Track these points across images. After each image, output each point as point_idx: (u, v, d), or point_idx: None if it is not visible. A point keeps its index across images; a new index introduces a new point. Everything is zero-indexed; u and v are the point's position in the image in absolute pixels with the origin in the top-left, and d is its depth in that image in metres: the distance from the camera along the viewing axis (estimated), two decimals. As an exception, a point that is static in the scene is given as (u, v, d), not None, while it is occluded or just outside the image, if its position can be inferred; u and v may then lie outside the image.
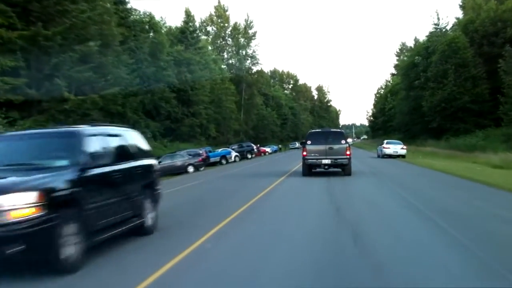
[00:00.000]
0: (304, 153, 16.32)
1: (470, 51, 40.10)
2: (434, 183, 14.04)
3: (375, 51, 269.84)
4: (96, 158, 5.32)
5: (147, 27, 36.46)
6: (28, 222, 4.12)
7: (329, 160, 15.85)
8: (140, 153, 6.75)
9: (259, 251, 5.49)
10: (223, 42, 63.24)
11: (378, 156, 31.15)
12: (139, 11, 36.75)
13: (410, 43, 76.73)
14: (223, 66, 57.15)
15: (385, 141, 32.65)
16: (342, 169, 16.29)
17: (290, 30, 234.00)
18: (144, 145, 7.09)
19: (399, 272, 4.43)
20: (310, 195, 11.30)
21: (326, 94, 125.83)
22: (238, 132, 55.98)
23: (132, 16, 34.21)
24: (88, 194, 4.98)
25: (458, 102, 39.27)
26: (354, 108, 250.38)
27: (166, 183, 17.62)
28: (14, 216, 4.08)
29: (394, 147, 29.72)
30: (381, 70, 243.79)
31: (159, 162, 22.84)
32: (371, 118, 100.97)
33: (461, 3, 51.55)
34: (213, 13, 62.40)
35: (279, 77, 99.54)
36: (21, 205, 4.12)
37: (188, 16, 47.59)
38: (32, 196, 4.19)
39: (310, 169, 16.53)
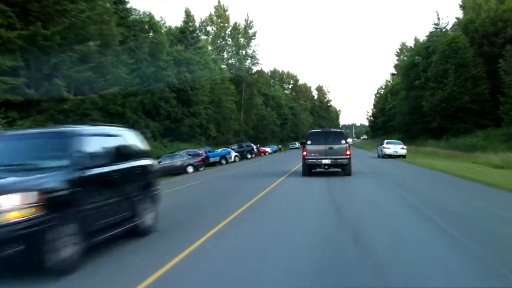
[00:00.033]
0: (304, 153, 16.30)
1: (470, 51, 40.07)
2: (434, 183, 13.99)
3: (375, 51, 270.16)
4: (94, 158, 5.30)
5: (146, 27, 36.43)
6: (27, 223, 4.11)
7: (329, 160, 15.84)
8: (139, 153, 6.73)
9: (259, 251, 5.49)
10: (223, 42, 63.21)
11: (378, 156, 31.10)
12: (139, 11, 36.82)
13: (410, 43, 76.88)
14: (223, 66, 57.11)
15: (385, 141, 32.56)
16: (342, 169, 16.28)
17: (290, 30, 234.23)
18: (142, 145, 7.06)
19: (399, 272, 4.43)
20: (310, 195, 11.26)
21: (326, 94, 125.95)
22: (238, 132, 55.95)
23: (131, 16, 34.18)
24: (87, 195, 4.97)
25: (458, 102, 39.23)
26: (354, 108, 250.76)
27: (166, 183, 17.59)
28: (13, 216, 4.07)
29: (394, 147, 29.67)
30: (381, 70, 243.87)
31: (159, 162, 22.90)
32: (371, 118, 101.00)
33: (461, 3, 51.53)
34: (213, 13, 62.46)
35: (279, 77, 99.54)
36: (21, 205, 4.11)
37: (188, 16, 47.56)
38: (31, 196, 4.18)
39: (310, 169, 16.52)
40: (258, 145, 48.61)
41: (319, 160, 15.99)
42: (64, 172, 4.78)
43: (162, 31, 40.57)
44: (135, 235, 6.24)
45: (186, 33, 45.34)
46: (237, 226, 7.30)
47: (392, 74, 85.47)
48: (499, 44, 37.15)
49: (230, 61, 63.01)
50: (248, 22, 63.45)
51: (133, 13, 34.86)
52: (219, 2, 63.32)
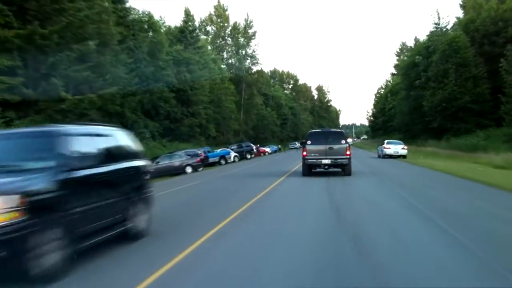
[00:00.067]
0: (304, 153, 16.28)
1: (471, 51, 39.91)
2: (436, 183, 13.84)
3: (375, 51, 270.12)
4: (82, 159, 5.07)
5: (146, 26, 36.27)
6: (9, 228, 3.90)
7: (329, 160, 15.81)
8: (130, 154, 6.48)
9: (259, 251, 5.46)
10: (223, 42, 63.07)
11: (379, 156, 30.91)
12: (138, 10, 36.65)
13: (410, 43, 76.73)
14: (222, 66, 56.96)
15: (386, 141, 32.32)
16: (342, 169, 16.26)
17: (290, 30, 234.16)
18: (134, 145, 6.81)
19: (399, 272, 4.42)
20: (310, 195, 11.17)
21: (326, 94, 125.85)
22: (238, 132, 55.81)
23: (130, 15, 34.04)
24: (73, 198, 4.74)
25: (459, 102, 39.07)
26: (354, 108, 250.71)
27: (164, 184, 17.48)
28: None
29: (394, 147, 29.47)
30: (381, 70, 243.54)
31: (157, 163, 22.76)
32: (371, 118, 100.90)
33: (461, 3, 51.41)
34: (213, 13, 62.31)
35: (279, 77, 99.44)
36: (1, 209, 3.90)
37: (188, 15, 47.40)
38: (13, 200, 3.96)
39: (310, 169, 16.49)
40: (258, 145, 48.46)
41: (319, 160, 15.96)
42: (49, 173, 4.54)
43: (162, 31, 40.41)
44: (127, 239, 6.03)
45: (185, 32, 45.19)
46: (237, 226, 7.22)
47: (392, 74, 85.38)
48: (500, 43, 37.01)
49: (230, 61, 62.88)
50: (248, 22, 63.40)
51: (132, 12, 34.73)
52: (218, 1, 63.22)
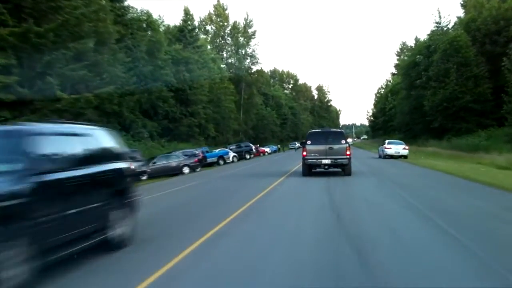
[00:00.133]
0: (304, 153, 16.24)
1: (472, 50, 39.68)
2: (436, 184, 13.64)
3: (375, 51, 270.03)
4: (55, 161, 4.62)
5: (144, 25, 36.01)
6: None
7: (329, 160, 15.78)
8: (110, 156, 5.97)
9: (259, 251, 5.45)
10: (222, 41, 62.86)
11: (380, 157, 30.57)
12: (136, 9, 36.36)
13: (411, 43, 76.52)
14: (222, 65, 56.73)
15: (387, 141, 31.86)
16: (342, 169, 16.23)
17: (290, 30, 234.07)
18: (116, 146, 6.29)
19: (399, 272, 4.42)
20: (310, 196, 11.08)
21: (326, 94, 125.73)
22: (237, 132, 55.56)
23: (129, 14, 33.77)
24: (43, 204, 4.26)
25: (460, 101, 38.86)
26: (354, 108, 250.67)
27: (160, 185, 17.31)
28: None
29: (396, 147, 29.12)
30: (382, 70, 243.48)
31: (154, 163, 22.48)
32: (372, 118, 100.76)
33: (462, 2, 51.21)
34: (212, 12, 62.13)
35: (279, 77, 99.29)
36: None
37: (187, 14, 47.18)
38: None
39: (310, 169, 16.45)
40: (258, 145, 48.21)
41: (319, 160, 15.93)
42: (15, 177, 4.09)
43: (160, 30, 40.14)
44: (109, 249, 5.55)
45: (184, 32, 44.99)
46: (237, 227, 7.14)
47: (393, 74, 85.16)
48: (502, 42, 36.79)
49: (230, 61, 62.65)
50: (248, 21, 63.19)
51: (130, 11, 34.46)
52: (218, 1, 62.88)
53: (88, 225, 5.04)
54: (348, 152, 15.71)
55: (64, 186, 4.70)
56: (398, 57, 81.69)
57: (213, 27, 62.26)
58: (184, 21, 46.72)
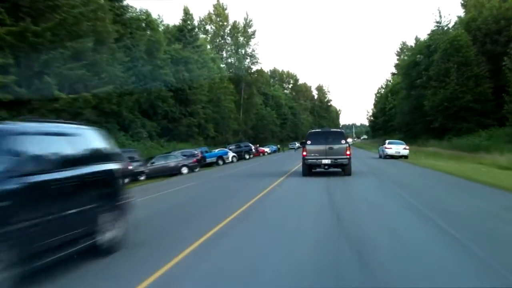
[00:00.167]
0: (304, 153, 16.18)
1: (473, 50, 39.52)
2: (437, 184, 13.55)
3: (375, 51, 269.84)
4: (40, 162, 4.39)
5: (143, 25, 35.86)
6: None
7: (329, 160, 15.72)
8: (100, 156, 5.73)
9: (258, 251, 5.43)
10: (222, 41, 62.72)
11: (380, 157, 30.40)
12: (135, 9, 36.22)
13: (411, 43, 76.34)
14: (222, 65, 56.59)
15: (387, 141, 31.64)
16: (342, 169, 16.17)
17: (289, 30, 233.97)
18: (106, 146, 6.06)
19: (399, 272, 4.41)
20: (310, 196, 11.01)
21: (326, 94, 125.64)
22: (237, 132, 55.43)
23: (128, 14, 33.62)
24: (26, 208, 4.05)
25: (460, 101, 38.70)
26: (354, 108, 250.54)
27: (158, 185, 17.21)
28: None
29: (396, 147, 28.95)
30: (382, 70, 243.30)
31: (152, 163, 22.34)
32: (372, 118, 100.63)
33: (462, 1, 51.07)
34: (212, 12, 61.97)
35: (279, 77, 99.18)
36: None
37: (187, 14, 47.05)
38: None
39: (310, 169, 16.40)
40: (257, 145, 48.06)
41: (319, 160, 15.87)
42: None
43: (160, 30, 40.00)
44: (101, 254, 5.34)
45: (184, 31, 44.86)
46: (237, 226, 7.11)
47: (393, 74, 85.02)
48: (502, 42, 36.65)
49: (229, 60, 62.51)
50: (248, 21, 63.06)
51: (129, 10, 34.32)
52: (218, 0, 62.75)
53: (76, 229, 4.83)
54: (348, 152, 15.66)
55: (49, 189, 4.46)
56: (398, 57, 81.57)
57: (213, 27, 62.16)
58: (184, 20, 46.60)
